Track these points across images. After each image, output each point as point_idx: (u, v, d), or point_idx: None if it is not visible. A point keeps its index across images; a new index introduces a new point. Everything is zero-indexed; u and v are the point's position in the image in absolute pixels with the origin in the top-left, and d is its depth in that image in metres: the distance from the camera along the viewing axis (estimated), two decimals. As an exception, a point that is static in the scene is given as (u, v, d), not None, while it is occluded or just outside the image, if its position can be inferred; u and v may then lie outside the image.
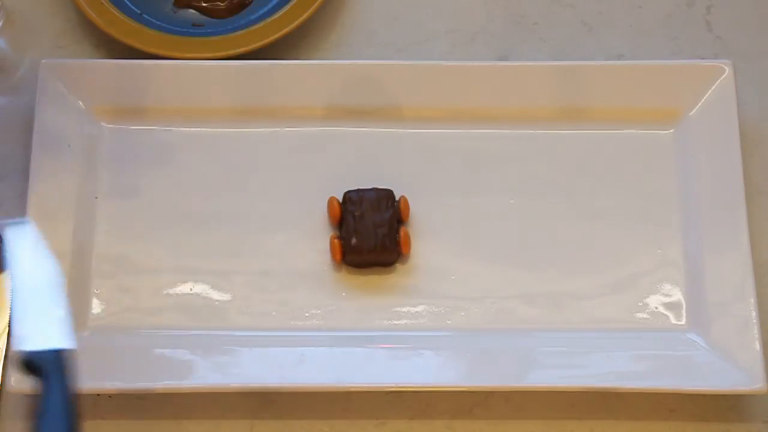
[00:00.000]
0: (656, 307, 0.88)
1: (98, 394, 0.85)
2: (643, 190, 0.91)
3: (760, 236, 0.90)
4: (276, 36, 0.94)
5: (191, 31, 0.96)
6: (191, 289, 0.88)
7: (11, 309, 0.86)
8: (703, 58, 0.96)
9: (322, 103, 0.92)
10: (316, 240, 0.89)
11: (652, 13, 0.99)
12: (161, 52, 0.93)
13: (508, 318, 0.87)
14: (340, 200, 0.89)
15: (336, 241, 0.88)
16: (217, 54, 0.93)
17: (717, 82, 0.92)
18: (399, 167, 0.91)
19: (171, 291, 0.88)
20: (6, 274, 0.86)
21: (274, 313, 0.87)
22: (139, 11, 0.96)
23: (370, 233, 0.87)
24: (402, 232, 0.88)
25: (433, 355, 0.85)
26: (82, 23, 0.96)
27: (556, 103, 0.92)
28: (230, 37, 0.95)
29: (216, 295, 0.88)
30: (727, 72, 0.92)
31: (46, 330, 0.70)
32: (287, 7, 0.95)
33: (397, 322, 0.87)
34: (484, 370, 0.85)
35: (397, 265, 0.89)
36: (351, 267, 0.88)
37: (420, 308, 0.88)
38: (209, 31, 0.96)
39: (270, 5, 0.96)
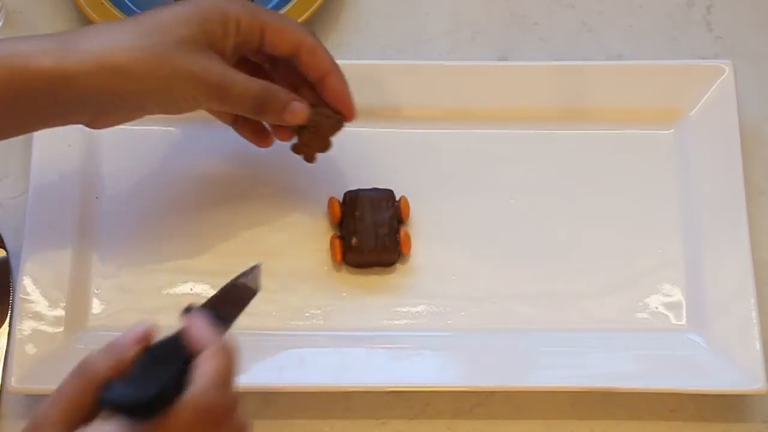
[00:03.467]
0: (656, 307, 0.88)
1: (98, 394, 0.85)
2: (643, 190, 0.91)
3: (760, 236, 0.90)
4: (276, 36, 0.94)
5: (191, 31, 0.96)
6: (191, 289, 0.88)
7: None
8: (703, 58, 0.96)
9: (322, 103, 0.92)
10: (316, 240, 0.89)
11: (652, 13, 0.99)
12: (161, 52, 0.93)
13: (508, 318, 0.87)
14: (340, 200, 0.89)
15: (336, 241, 0.88)
16: (217, 54, 0.93)
17: (717, 82, 0.92)
18: (399, 167, 0.91)
19: (171, 291, 0.88)
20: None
21: (274, 313, 0.87)
22: (139, 12, 0.96)
23: (370, 233, 0.87)
24: (402, 232, 0.88)
25: (433, 355, 0.85)
26: (83, 24, 0.96)
27: (555, 103, 0.92)
28: (230, 37, 0.95)
29: (216, 295, 0.88)
30: (727, 72, 0.92)
31: None
32: (287, 8, 0.95)
33: (397, 322, 0.87)
34: (484, 370, 0.85)
35: (397, 265, 0.89)
36: (351, 267, 0.88)
37: (420, 308, 0.88)
38: (209, 31, 0.96)
39: (270, 5, 0.96)
